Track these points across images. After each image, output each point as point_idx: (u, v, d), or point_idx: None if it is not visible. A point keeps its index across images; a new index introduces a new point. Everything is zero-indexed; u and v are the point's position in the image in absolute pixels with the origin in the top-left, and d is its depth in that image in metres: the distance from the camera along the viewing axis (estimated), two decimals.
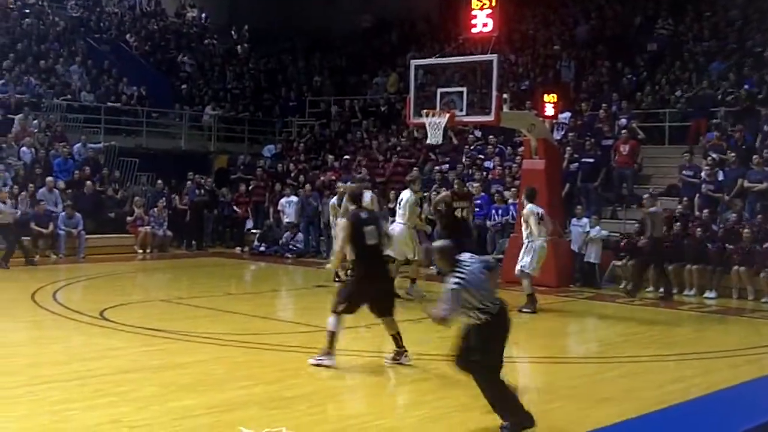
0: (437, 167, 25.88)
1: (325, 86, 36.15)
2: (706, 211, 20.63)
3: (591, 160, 23.21)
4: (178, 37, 37.87)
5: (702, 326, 16.70)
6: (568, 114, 25.54)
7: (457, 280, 8.16)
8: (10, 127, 26.64)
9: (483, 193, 23.32)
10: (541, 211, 17.18)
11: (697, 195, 21.42)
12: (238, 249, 26.90)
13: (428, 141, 19.87)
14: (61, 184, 24.97)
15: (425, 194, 21.28)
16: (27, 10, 34.08)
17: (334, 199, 20.43)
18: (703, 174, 21.65)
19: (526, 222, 17.07)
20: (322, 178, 27.71)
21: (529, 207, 17.14)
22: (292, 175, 28.75)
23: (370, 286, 11.51)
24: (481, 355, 8.41)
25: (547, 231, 17.27)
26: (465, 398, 9.88)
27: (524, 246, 17.12)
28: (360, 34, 39.05)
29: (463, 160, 25.98)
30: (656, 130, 25.34)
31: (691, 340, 14.89)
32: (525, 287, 16.85)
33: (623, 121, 24.57)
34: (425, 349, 12.69)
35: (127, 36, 35.91)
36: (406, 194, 17.90)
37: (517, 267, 16.99)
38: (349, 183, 21.68)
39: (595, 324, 17.11)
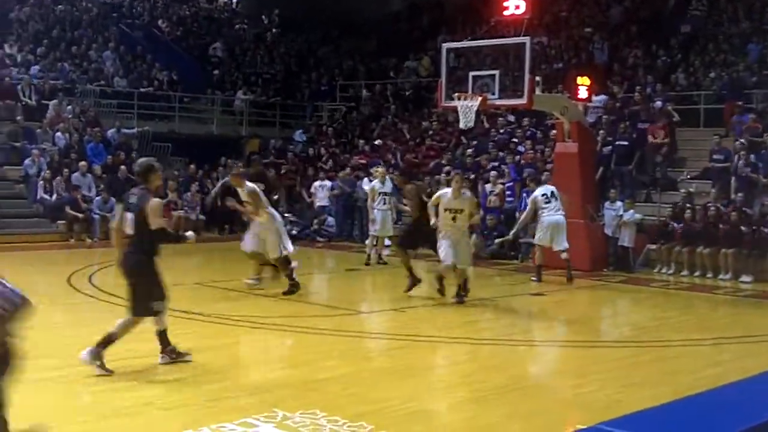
0: (468, 150, 25.77)
1: (356, 71, 36.11)
2: (740, 194, 20.40)
3: (625, 143, 23.02)
4: (209, 23, 37.94)
5: (737, 310, 16.58)
6: (602, 97, 25.35)
7: None
8: (45, 112, 26.80)
9: (514, 176, 23.17)
10: (548, 190, 17.95)
11: (733, 178, 21.18)
12: None
13: (460, 125, 19.78)
14: (97, 169, 25.11)
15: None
16: None
17: (375, 182, 20.46)
18: (736, 157, 21.42)
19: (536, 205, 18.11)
20: (352, 162, 27.67)
21: (536, 192, 18.27)
22: (323, 159, 28.76)
23: None
24: None
25: (562, 205, 18.05)
26: (502, 380, 9.88)
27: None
28: (391, 18, 38.95)
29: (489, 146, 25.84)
30: (691, 112, 25.06)
31: (726, 325, 14.79)
32: (536, 258, 18.25)
33: (658, 103, 24.34)
34: (461, 333, 12.69)
35: (159, 21, 36.04)
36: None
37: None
38: (380, 167, 21.72)
39: (629, 308, 17.02)
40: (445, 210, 14.89)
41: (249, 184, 15.33)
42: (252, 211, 15.34)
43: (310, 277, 18.78)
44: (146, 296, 10.11)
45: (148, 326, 12.62)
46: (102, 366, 9.71)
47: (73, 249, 21.65)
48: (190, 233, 10.80)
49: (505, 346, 12.20)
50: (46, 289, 16.02)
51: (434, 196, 15.46)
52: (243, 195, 15.33)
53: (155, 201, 9.92)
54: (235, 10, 40.54)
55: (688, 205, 20.51)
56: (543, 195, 18.12)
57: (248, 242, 15.89)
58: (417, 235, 16.28)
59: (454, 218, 14.85)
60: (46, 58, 29.92)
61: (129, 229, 10.15)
